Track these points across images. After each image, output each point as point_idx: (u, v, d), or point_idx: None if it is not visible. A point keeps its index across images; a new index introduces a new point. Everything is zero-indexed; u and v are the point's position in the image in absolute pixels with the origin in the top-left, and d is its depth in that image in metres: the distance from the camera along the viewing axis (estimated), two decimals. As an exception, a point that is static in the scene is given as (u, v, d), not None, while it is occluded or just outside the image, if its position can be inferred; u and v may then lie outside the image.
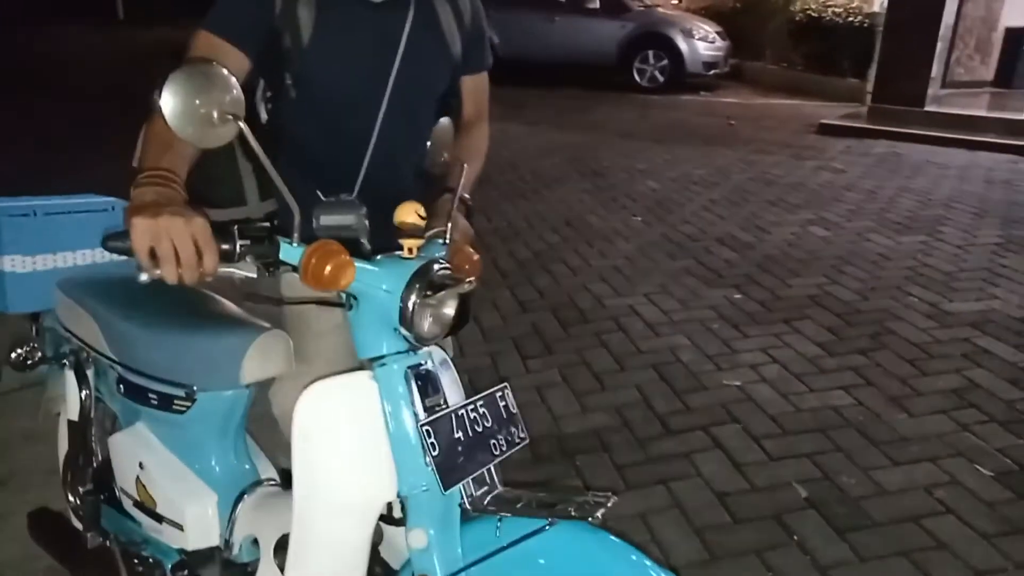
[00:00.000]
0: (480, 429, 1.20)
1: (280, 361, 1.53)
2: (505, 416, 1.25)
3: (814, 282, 4.04)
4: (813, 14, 10.84)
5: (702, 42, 11.19)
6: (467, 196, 1.58)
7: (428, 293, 1.14)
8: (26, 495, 2.40)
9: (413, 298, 1.13)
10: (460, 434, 1.17)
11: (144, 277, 1.08)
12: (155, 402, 1.62)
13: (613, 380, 3.08)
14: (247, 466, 1.66)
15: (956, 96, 8.68)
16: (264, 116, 1.61)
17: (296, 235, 1.14)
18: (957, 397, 2.95)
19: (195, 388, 1.55)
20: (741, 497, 2.39)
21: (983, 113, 8.02)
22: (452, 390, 1.24)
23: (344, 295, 1.18)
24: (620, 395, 2.96)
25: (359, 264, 1.13)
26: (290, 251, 1.13)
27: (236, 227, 1.12)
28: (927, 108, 7.89)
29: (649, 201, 5.56)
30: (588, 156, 6.97)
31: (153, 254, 1.06)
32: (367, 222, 1.23)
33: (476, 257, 1.34)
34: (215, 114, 1.07)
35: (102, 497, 1.87)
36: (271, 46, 1.47)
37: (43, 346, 1.99)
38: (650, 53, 11.16)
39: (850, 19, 10.24)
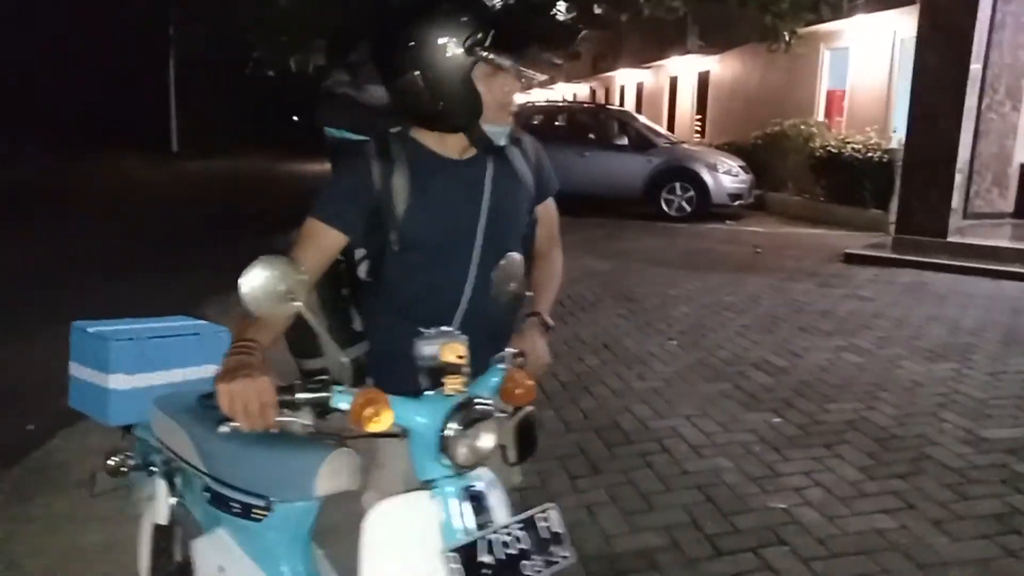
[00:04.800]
0: (514, 552, 1.33)
1: (350, 476, 1.68)
2: (546, 537, 1.37)
3: (850, 407, 4.16)
4: (833, 150, 11.36)
5: (726, 175, 11.75)
6: (547, 319, 1.81)
7: (464, 426, 1.34)
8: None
9: (449, 431, 1.34)
10: (489, 558, 1.30)
11: (226, 428, 1.37)
12: (237, 510, 1.80)
13: (661, 500, 3.18)
14: (315, 571, 1.80)
15: (978, 227, 8.95)
16: (363, 275, 1.83)
17: (347, 384, 1.40)
18: (998, 522, 3.01)
19: (272, 499, 1.72)
20: (793, 617, 2.46)
21: (1006, 244, 8.25)
22: (499, 510, 1.38)
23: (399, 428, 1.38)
24: (668, 515, 3.06)
25: (402, 402, 1.36)
26: (341, 398, 1.37)
27: (296, 383, 1.37)
28: (950, 239, 8.14)
29: (683, 326, 5.77)
30: (620, 282, 7.25)
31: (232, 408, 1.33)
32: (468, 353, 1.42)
33: (530, 383, 1.53)
34: (281, 295, 1.36)
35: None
36: (372, 215, 1.68)
37: (134, 455, 2.20)
38: (677, 185, 11.70)
39: (869, 155, 10.71)
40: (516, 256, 1.77)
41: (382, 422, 1.34)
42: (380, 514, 1.37)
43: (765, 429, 3.87)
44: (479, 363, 1.48)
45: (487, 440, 1.38)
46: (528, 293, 1.78)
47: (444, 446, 1.34)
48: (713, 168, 11.73)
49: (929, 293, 6.95)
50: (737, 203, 11.82)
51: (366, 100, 1.80)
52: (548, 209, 1.96)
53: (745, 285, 7.18)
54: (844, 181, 11.10)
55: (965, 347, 5.25)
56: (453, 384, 1.40)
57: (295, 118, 25.79)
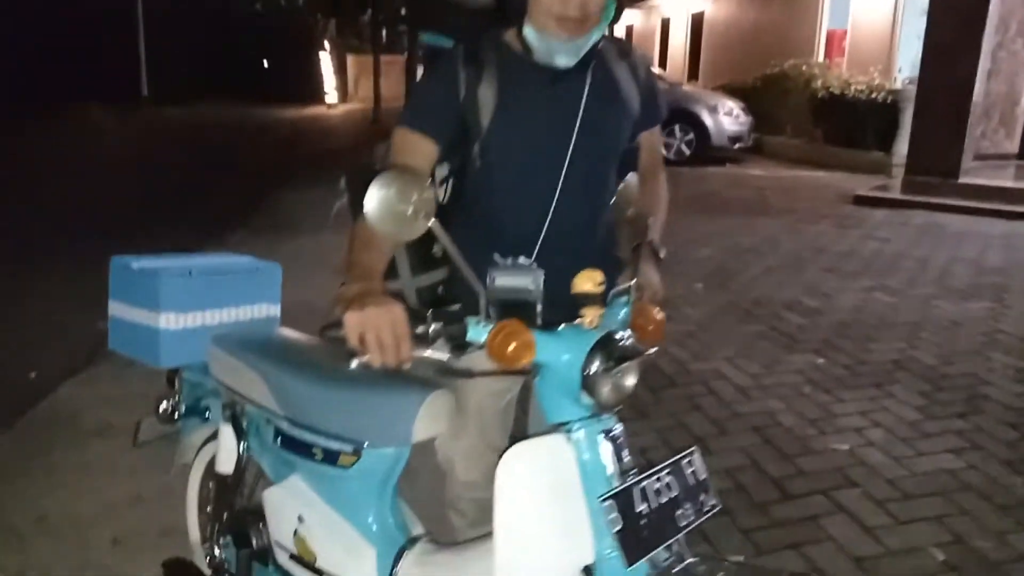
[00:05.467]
0: (665, 500, 1.20)
1: (447, 419, 1.56)
2: (693, 484, 1.25)
3: (893, 347, 4.04)
4: (835, 91, 11.14)
5: (727, 117, 11.49)
6: (659, 247, 1.62)
7: (610, 364, 1.18)
8: (142, 556, 2.37)
9: (594, 368, 1.18)
10: (644, 506, 1.18)
11: (355, 363, 1.21)
12: (319, 456, 1.65)
13: (717, 444, 3.05)
14: (402, 522, 1.66)
15: (985, 168, 8.84)
16: (442, 198, 1.68)
17: (482, 316, 1.22)
18: (1071, 461, 2.92)
19: (364, 444, 1.57)
20: (879, 561, 2.34)
21: (1019, 185, 8.14)
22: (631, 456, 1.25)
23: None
24: (728, 459, 2.93)
25: (541, 336, 1.20)
26: (477, 331, 1.20)
27: (430, 312, 1.20)
28: (961, 180, 8.02)
29: (706, 269, 5.61)
30: (633, 225, 7.06)
31: (362, 341, 1.19)
32: (542, 287, 1.29)
33: (660, 317, 1.37)
34: (410, 212, 1.18)
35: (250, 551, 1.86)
36: (458, 125, 1.55)
37: (184, 400, 2.02)
38: (676, 128, 11.44)
39: (873, 96, 10.52)
40: (632, 178, 1.60)
41: (524, 358, 1.18)
42: (515, 459, 1.21)
43: (811, 370, 3.74)
44: (560, 295, 1.29)
45: (631, 379, 1.23)
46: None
47: (586, 384, 1.19)
48: (713, 110, 11.45)
49: (946, 234, 6.85)
50: (737, 146, 11.59)
51: (465, 2, 1.64)
52: (653, 136, 1.78)
53: (760, 227, 7.02)
54: (846, 123, 10.91)
55: (995, 287, 5.15)
56: (592, 316, 1.23)
57: (265, 63, 25.04)
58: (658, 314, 1.35)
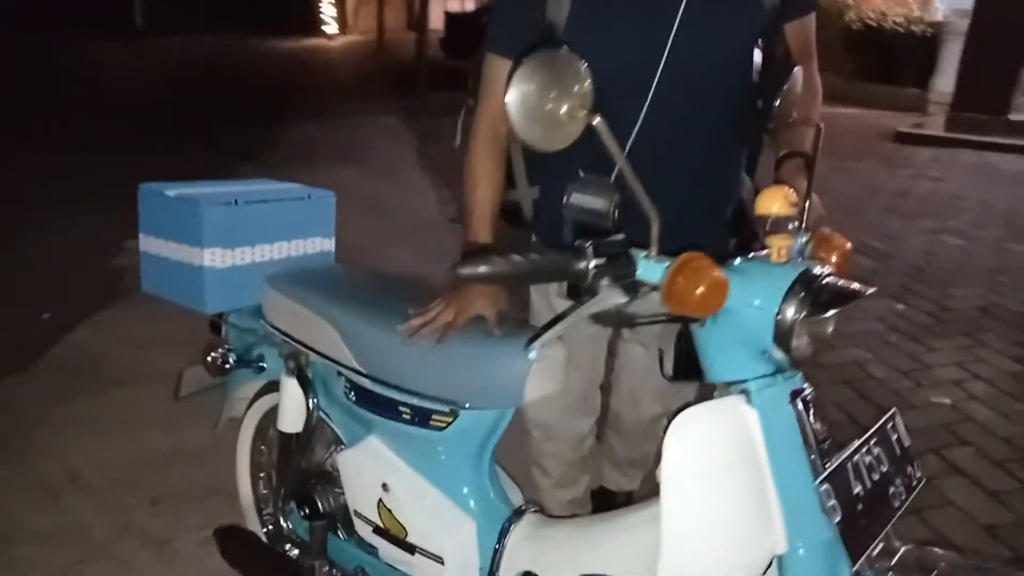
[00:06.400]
0: (877, 477, 0.98)
1: (561, 375, 1.33)
2: (899, 453, 1.03)
3: (976, 293, 3.76)
4: (872, 23, 10.59)
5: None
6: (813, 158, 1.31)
7: (815, 309, 0.92)
8: (185, 519, 2.12)
9: (792, 314, 0.91)
10: (859, 488, 0.96)
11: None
12: (407, 417, 1.42)
13: (806, 397, 2.78)
14: (501, 491, 1.44)
15: (1027, 106, 8.40)
16: None
17: (654, 248, 0.96)
18: None
19: (466, 404, 1.34)
20: (1013, 530, 2.10)
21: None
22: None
23: None
24: (822, 414, 2.67)
25: (733, 274, 0.94)
26: (649, 268, 0.96)
27: (590, 244, 0.95)
28: (1012, 117, 7.61)
29: (757, 207, 5.29)
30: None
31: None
32: (617, 211, 1.09)
33: (848, 246, 1.07)
34: (564, 110, 0.96)
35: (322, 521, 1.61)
36: (540, 32, 1.34)
37: (233, 348, 1.75)
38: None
39: (912, 28, 10.00)
40: (798, 72, 1.30)
41: (716, 303, 0.93)
42: (685, 426, 0.96)
43: (893, 317, 3.46)
44: (641, 228, 1.09)
45: (831, 324, 0.98)
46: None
47: (779, 335, 0.93)
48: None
49: (1001, 174, 6.50)
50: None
51: None
52: (805, 25, 1.46)
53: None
54: (881, 58, 10.37)
55: (1068, 228, 4.85)
56: (781, 246, 0.97)
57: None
58: (846, 243, 1.07)
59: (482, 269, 0.93)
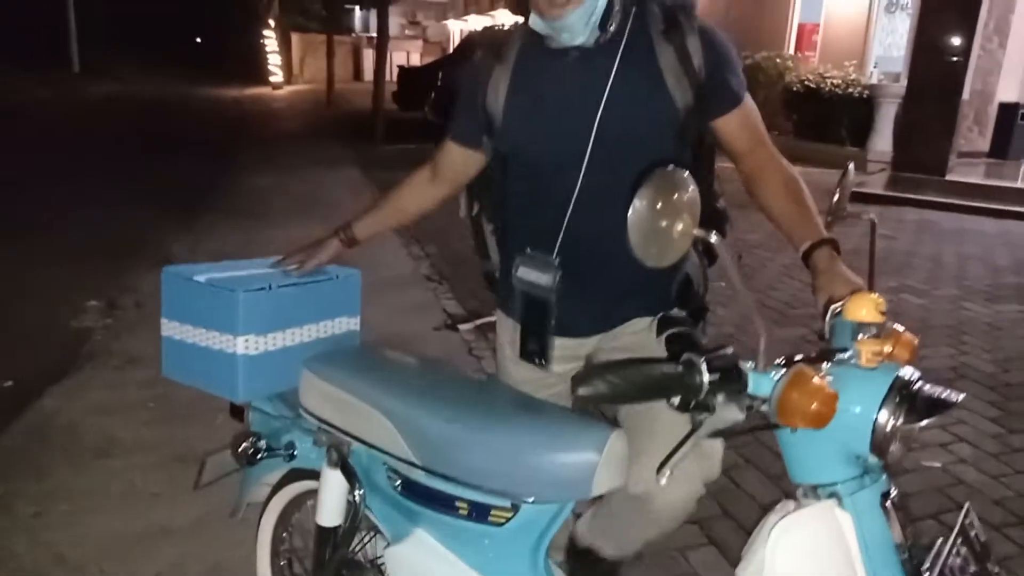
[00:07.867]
0: None
1: (626, 468, 1.32)
2: (979, 549, 1.04)
3: (944, 353, 3.88)
4: (811, 85, 11.09)
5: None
6: (835, 242, 1.38)
7: (911, 417, 0.95)
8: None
9: (890, 421, 0.94)
10: None
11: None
12: (464, 512, 1.38)
13: (782, 466, 2.81)
14: None
15: (961, 165, 8.88)
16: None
17: (761, 361, 0.98)
18: None
19: (530, 499, 1.31)
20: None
21: (1005, 183, 8.16)
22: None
23: None
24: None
25: (839, 382, 0.96)
26: (760, 381, 0.97)
27: (704, 359, 0.95)
28: (948, 177, 8.01)
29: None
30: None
31: None
32: (558, 285, 1.36)
33: (915, 342, 1.11)
34: (678, 226, 0.97)
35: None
36: (486, 118, 1.48)
37: (262, 437, 1.68)
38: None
39: (849, 90, 10.50)
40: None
41: (827, 416, 0.93)
42: (783, 534, 0.98)
43: (871, 378, 3.54)
44: (581, 305, 1.37)
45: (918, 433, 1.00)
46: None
47: (876, 442, 0.95)
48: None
49: (944, 232, 6.79)
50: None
51: None
52: (739, 118, 1.46)
53: (760, 224, 6.78)
54: (820, 117, 10.85)
55: (1017, 287, 5.07)
56: (872, 352, 0.99)
57: (198, 40, 24.00)
58: (913, 339, 1.09)
59: (602, 389, 0.93)
